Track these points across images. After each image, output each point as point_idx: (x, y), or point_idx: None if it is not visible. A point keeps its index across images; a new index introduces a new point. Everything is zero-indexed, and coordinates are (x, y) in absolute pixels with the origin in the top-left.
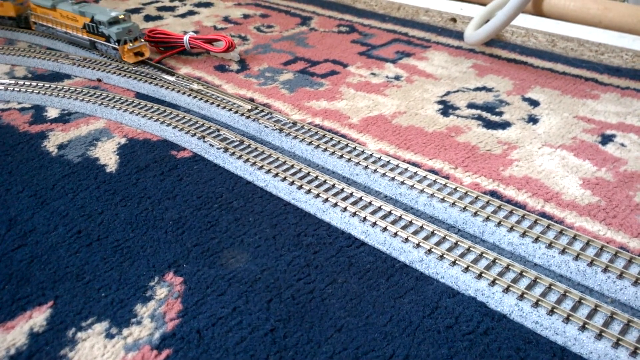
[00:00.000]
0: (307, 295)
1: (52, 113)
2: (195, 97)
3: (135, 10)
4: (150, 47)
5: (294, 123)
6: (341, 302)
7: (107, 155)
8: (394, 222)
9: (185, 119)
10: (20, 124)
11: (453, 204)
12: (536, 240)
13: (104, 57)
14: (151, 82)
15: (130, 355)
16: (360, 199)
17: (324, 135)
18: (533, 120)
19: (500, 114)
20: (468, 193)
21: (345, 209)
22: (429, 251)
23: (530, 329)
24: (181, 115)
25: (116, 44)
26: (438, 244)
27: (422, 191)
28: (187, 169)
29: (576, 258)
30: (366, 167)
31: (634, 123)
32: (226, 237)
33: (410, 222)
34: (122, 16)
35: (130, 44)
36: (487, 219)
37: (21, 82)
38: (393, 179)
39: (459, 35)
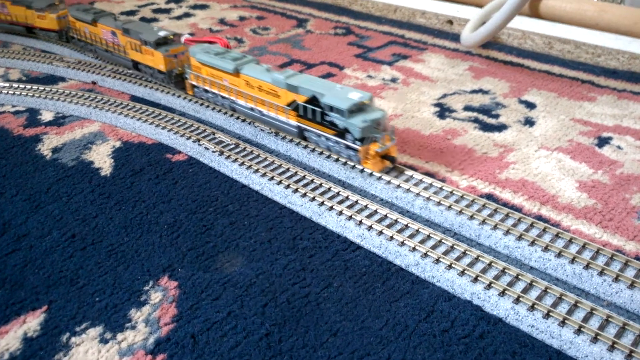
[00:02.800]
0: (303, 299)
1: (47, 116)
2: (190, 100)
3: (131, 13)
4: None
5: None
6: (337, 306)
7: (101, 158)
8: (389, 226)
9: (181, 122)
10: (15, 127)
11: (449, 208)
12: (532, 243)
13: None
14: (146, 85)
15: None
16: (356, 202)
17: None
18: (529, 122)
19: (497, 116)
20: (464, 196)
21: (341, 213)
22: (425, 255)
23: (526, 333)
24: (176, 119)
25: (357, 142)
26: (434, 247)
27: (418, 194)
28: (182, 173)
29: (572, 261)
30: (362, 170)
31: (630, 125)
32: (221, 241)
33: (406, 226)
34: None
35: (379, 145)
36: (483, 222)
37: (15, 85)
38: (389, 182)
39: (456, 38)
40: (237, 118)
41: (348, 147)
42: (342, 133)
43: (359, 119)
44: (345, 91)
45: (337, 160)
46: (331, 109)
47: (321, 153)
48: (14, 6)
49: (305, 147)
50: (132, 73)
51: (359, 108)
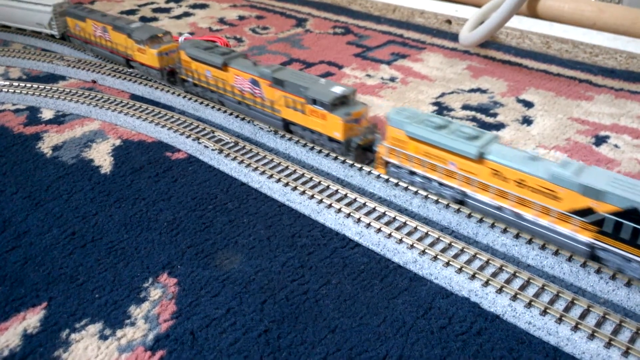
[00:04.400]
0: (301, 296)
1: (47, 114)
2: (190, 98)
3: (131, 12)
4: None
5: None
6: (335, 303)
7: (101, 156)
8: (388, 223)
9: (180, 120)
10: (15, 126)
11: (447, 206)
12: (529, 241)
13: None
14: (146, 84)
15: (124, 357)
16: (355, 200)
17: None
18: (527, 121)
19: (495, 115)
20: None
21: (339, 210)
22: (423, 252)
23: (523, 330)
24: (176, 117)
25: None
26: (432, 245)
27: (416, 193)
28: (182, 171)
29: (569, 259)
30: (360, 168)
31: (627, 124)
32: (220, 238)
33: (404, 224)
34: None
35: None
36: (481, 220)
37: (16, 84)
38: (387, 180)
39: (454, 37)
40: (237, 116)
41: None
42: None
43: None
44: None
45: (335, 158)
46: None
47: (320, 151)
48: (116, 32)
49: (304, 145)
50: (132, 72)
51: (341, 101)
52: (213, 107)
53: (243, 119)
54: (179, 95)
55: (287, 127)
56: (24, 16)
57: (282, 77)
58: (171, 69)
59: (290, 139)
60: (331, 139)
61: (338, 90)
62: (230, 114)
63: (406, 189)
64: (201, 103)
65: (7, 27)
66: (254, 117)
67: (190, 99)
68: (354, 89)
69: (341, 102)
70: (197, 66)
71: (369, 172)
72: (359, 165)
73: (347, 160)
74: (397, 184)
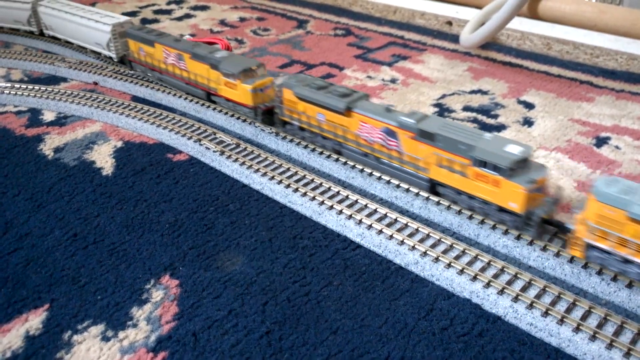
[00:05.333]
0: (303, 297)
1: (49, 116)
2: (191, 100)
3: (132, 14)
4: None
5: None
6: (337, 305)
7: (103, 158)
8: (389, 225)
9: (182, 122)
10: (17, 127)
11: (448, 207)
12: (531, 242)
13: None
14: (147, 86)
15: (126, 358)
16: (356, 201)
17: None
18: (528, 122)
19: (496, 116)
20: None
21: (340, 212)
22: (424, 254)
23: (524, 331)
24: (177, 119)
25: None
26: (433, 246)
27: (417, 194)
28: (183, 172)
29: (571, 260)
30: (362, 170)
31: (628, 126)
32: (222, 239)
33: (406, 225)
34: None
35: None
36: (482, 221)
37: (17, 86)
38: (389, 182)
39: (455, 39)
40: (238, 118)
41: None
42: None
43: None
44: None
45: (337, 160)
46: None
47: (321, 153)
48: (195, 62)
49: (306, 147)
50: (133, 73)
51: (520, 165)
52: (214, 108)
53: (244, 120)
54: (180, 97)
55: (434, 188)
56: (82, 34)
57: (431, 130)
58: (267, 108)
59: (291, 141)
60: (502, 209)
61: (515, 150)
62: (232, 115)
63: (407, 190)
64: (202, 105)
65: (69, 43)
66: (384, 172)
67: (191, 100)
68: (531, 148)
69: (519, 165)
70: (306, 107)
71: (370, 174)
72: (360, 167)
73: (348, 162)
74: (398, 186)
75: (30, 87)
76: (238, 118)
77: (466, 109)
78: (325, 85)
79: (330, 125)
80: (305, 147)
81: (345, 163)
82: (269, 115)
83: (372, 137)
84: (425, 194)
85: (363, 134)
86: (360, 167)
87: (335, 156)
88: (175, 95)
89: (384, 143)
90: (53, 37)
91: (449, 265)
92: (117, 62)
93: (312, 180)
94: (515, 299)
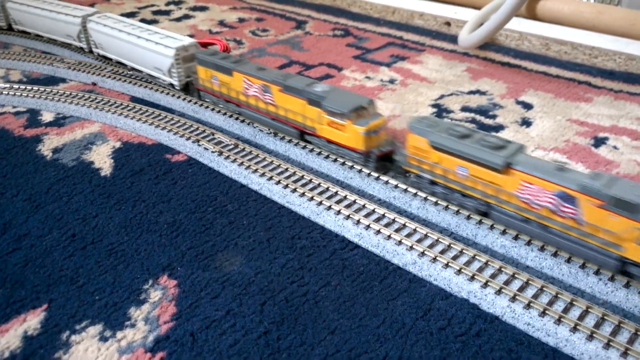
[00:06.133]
0: (301, 297)
1: (47, 117)
2: (189, 101)
3: (131, 14)
4: None
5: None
6: (334, 305)
7: (101, 159)
8: (387, 225)
9: (180, 122)
10: (15, 128)
11: (446, 207)
12: (528, 243)
13: None
14: (146, 86)
15: (124, 358)
16: (354, 202)
17: None
18: (526, 123)
19: (494, 117)
20: None
21: (339, 212)
22: (422, 254)
23: (522, 331)
24: (176, 119)
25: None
26: (431, 246)
27: (415, 194)
28: (182, 173)
29: (568, 260)
30: (360, 170)
31: (626, 126)
32: (220, 240)
33: (404, 225)
34: None
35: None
36: (480, 222)
37: (16, 86)
38: (387, 182)
39: (453, 39)
40: (237, 119)
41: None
42: None
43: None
44: None
45: (335, 160)
46: None
47: (319, 153)
48: (287, 95)
49: (304, 147)
50: (132, 74)
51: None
52: (213, 109)
53: (243, 121)
54: (178, 97)
55: (624, 267)
56: (139, 56)
57: (630, 198)
58: (383, 154)
59: (289, 141)
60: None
61: None
62: (230, 116)
63: (405, 190)
64: (201, 105)
65: (124, 65)
66: (548, 242)
67: (190, 101)
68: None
69: None
70: (443, 158)
71: (369, 174)
72: (358, 167)
73: (346, 162)
74: (396, 186)
75: (29, 87)
76: (237, 119)
77: (464, 109)
78: (468, 132)
79: (477, 182)
80: (304, 147)
81: (343, 164)
82: (383, 162)
83: (538, 201)
84: (423, 194)
85: (524, 195)
86: (358, 167)
87: (333, 157)
88: (173, 95)
89: (557, 209)
90: (104, 57)
91: (446, 265)
92: (180, 90)
93: (310, 181)
94: (513, 298)
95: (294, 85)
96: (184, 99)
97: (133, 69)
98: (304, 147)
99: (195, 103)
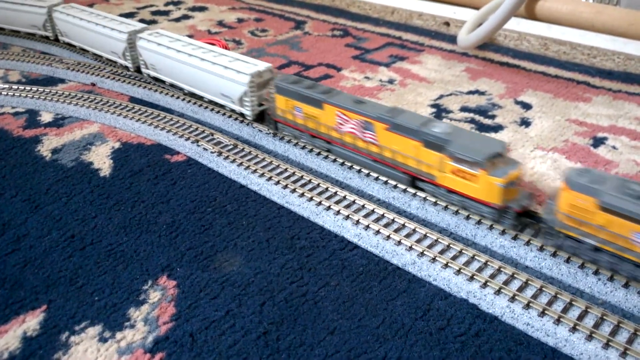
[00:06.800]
0: (300, 298)
1: (46, 117)
2: (189, 101)
3: (130, 15)
4: None
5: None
6: (334, 305)
7: (101, 159)
8: (386, 225)
9: (179, 123)
10: (14, 129)
11: (445, 208)
12: (528, 243)
13: None
14: (145, 87)
15: (123, 359)
16: (353, 202)
17: None
18: (525, 123)
19: (493, 117)
20: None
21: (338, 212)
22: (421, 254)
23: (521, 331)
24: (175, 120)
25: None
26: (430, 246)
27: (414, 194)
28: (181, 173)
29: (567, 260)
30: (359, 170)
31: (625, 126)
32: (220, 240)
33: (403, 225)
34: None
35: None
36: (479, 222)
37: (15, 87)
38: (386, 182)
39: (452, 39)
40: (236, 119)
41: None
42: None
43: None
44: None
45: (334, 160)
46: None
47: (319, 153)
48: (394, 134)
49: (303, 147)
50: (131, 75)
51: None
52: (212, 109)
53: (242, 121)
54: (177, 97)
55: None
56: (202, 81)
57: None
58: (523, 210)
59: (288, 142)
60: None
61: None
62: (229, 116)
63: (405, 190)
64: (200, 105)
65: (192, 95)
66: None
67: (189, 101)
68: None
69: None
70: (613, 222)
71: (368, 174)
72: (357, 167)
73: (345, 163)
74: (395, 186)
75: (28, 88)
76: (236, 119)
77: (463, 109)
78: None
79: None
80: (303, 147)
81: (342, 164)
82: (521, 218)
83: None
84: (423, 195)
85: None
86: (357, 167)
87: (332, 157)
88: (172, 96)
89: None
90: (155, 79)
91: (446, 266)
92: (253, 120)
93: (310, 181)
94: (512, 299)
95: (405, 124)
96: (183, 100)
97: (191, 93)
98: (303, 147)
99: (195, 103)
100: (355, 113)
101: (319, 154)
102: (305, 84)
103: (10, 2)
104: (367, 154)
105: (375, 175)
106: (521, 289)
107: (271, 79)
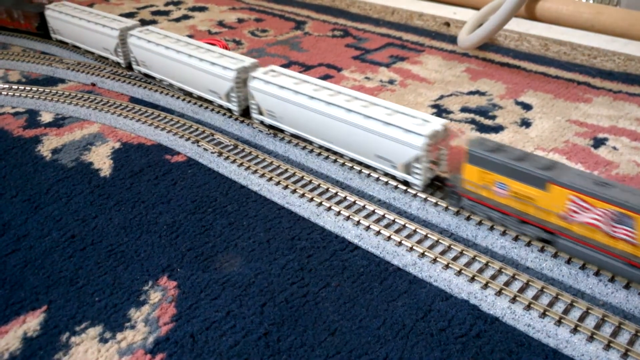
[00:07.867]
0: (301, 299)
1: (46, 117)
2: (189, 101)
3: (130, 15)
4: None
5: None
6: (335, 306)
7: (101, 159)
8: (387, 226)
9: (180, 123)
10: (14, 129)
11: (446, 208)
12: (528, 244)
13: None
14: (145, 87)
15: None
16: (354, 202)
17: None
18: (526, 123)
19: (493, 117)
20: None
21: (339, 213)
22: (422, 255)
23: (522, 332)
24: (175, 120)
25: None
26: (431, 247)
27: (415, 195)
28: (181, 173)
29: (568, 262)
30: (360, 171)
31: (626, 126)
32: (220, 241)
33: (404, 226)
34: None
35: None
36: (480, 223)
37: (15, 87)
38: (387, 183)
39: (453, 40)
40: (236, 119)
41: None
42: None
43: None
44: None
45: (335, 161)
46: None
47: (319, 154)
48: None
49: (304, 148)
50: (131, 74)
51: None
52: (212, 109)
53: (242, 121)
54: (177, 98)
55: None
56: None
57: None
58: None
59: (289, 142)
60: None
61: None
62: (229, 116)
63: (405, 191)
64: (200, 106)
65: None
66: None
67: (189, 101)
68: None
69: None
70: None
71: (368, 175)
72: (358, 168)
73: (345, 163)
74: (396, 187)
75: (28, 88)
76: (236, 119)
77: (464, 110)
78: None
79: None
80: (303, 148)
81: (343, 164)
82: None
83: None
84: (423, 195)
85: None
86: (358, 168)
87: (333, 157)
88: (173, 96)
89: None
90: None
91: (446, 267)
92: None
93: (310, 182)
94: (513, 300)
95: None
96: (183, 100)
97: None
98: (304, 148)
99: (195, 104)
100: (604, 201)
101: (319, 154)
102: (513, 153)
103: None
104: (614, 253)
105: (375, 175)
106: (522, 290)
107: (445, 137)
